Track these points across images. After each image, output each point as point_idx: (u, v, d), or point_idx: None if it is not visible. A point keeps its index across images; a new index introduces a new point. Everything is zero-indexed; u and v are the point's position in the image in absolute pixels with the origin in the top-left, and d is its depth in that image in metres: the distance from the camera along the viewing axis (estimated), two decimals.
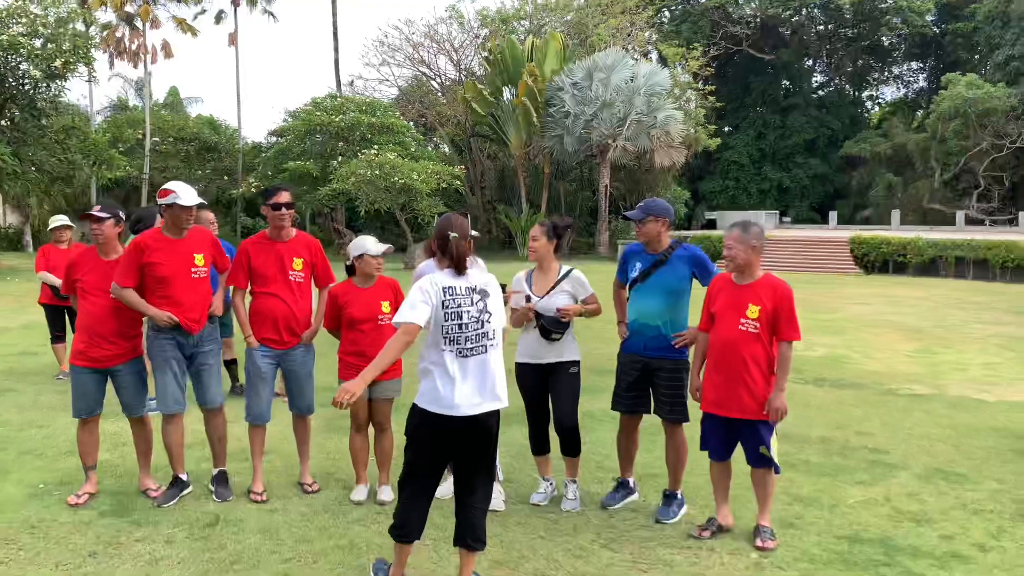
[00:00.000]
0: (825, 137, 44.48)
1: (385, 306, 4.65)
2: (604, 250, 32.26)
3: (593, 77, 30.93)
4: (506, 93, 32.79)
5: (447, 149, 38.97)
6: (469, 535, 3.47)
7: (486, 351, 3.39)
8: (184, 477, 4.85)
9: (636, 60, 33.32)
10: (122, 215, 4.82)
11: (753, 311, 4.05)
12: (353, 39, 73.61)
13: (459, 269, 3.36)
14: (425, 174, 25.20)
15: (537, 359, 4.68)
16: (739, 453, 4.29)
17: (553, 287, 4.64)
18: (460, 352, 3.32)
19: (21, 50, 17.49)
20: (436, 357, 3.33)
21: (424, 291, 3.31)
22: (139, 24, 33.09)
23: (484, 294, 3.40)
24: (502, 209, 35.39)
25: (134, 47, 33.10)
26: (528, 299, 4.65)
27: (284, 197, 4.67)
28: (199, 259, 4.66)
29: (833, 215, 38.32)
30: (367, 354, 4.55)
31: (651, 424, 4.96)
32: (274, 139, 35.45)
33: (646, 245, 4.59)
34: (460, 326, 3.31)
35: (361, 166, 24.80)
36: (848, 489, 5.05)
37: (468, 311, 3.34)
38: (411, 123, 40.35)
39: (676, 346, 4.48)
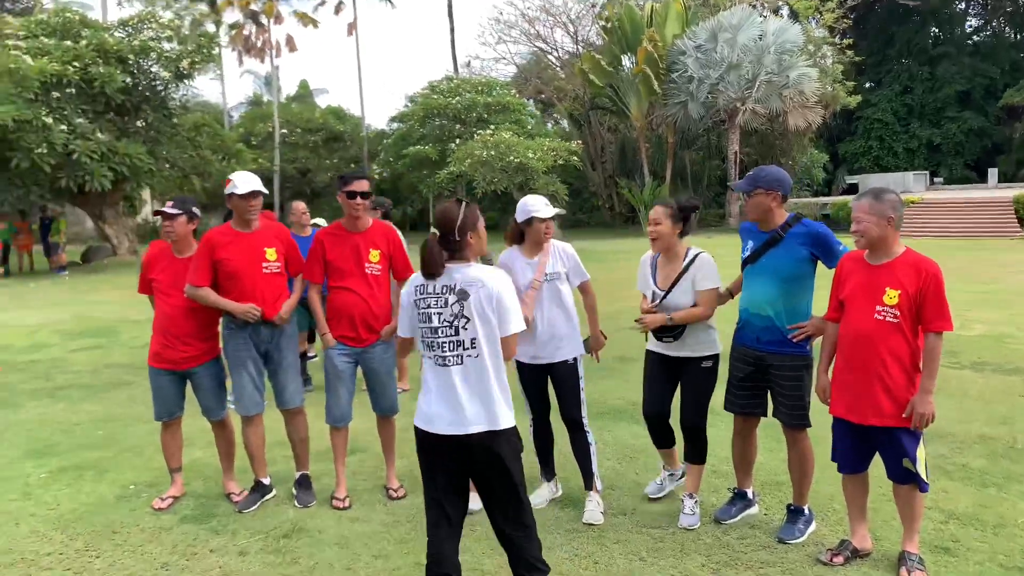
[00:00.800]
0: (981, 87, 40.45)
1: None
2: (735, 222, 30.66)
3: (718, 38, 29.36)
4: (625, 62, 31.74)
5: (566, 124, 38.30)
6: (519, 565, 3.00)
7: (462, 362, 2.92)
8: (266, 481, 4.65)
9: (764, 17, 31.35)
10: (196, 211, 4.63)
11: (892, 296, 3.33)
12: (470, 19, 73.79)
13: (424, 270, 2.95)
14: (541, 151, 24.73)
15: (667, 350, 4.17)
16: (879, 463, 3.59)
17: (678, 278, 4.06)
18: (437, 360, 2.96)
19: (152, 54, 18.37)
20: (424, 363, 3.04)
21: (405, 292, 3.05)
22: (264, 20, 34.26)
23: (463, 295, 2.90)
24: (624, 183, 34.42)
25: (260, 43, 34.31)
26: (653, 297, 4.11)
27: (362, 185, 4.34)
28: (271, 253, 4.41)
29: (993, 172, 34.76)
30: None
31: (775, 424, 4.30)
32: (396, 125, 35.95)
33: (757, 222, 3.93)
34: (432, 330, 2.95)
35: (477, 147, 24.63)
36: (1018, 504, 4.21)
37: (440, 313, 2.92)
38: (529, 100, 40.06)
39: (794, 340, 3.81)
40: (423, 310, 2.94)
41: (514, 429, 2.96)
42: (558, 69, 38.73)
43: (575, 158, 27.34)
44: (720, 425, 5.42)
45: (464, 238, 2.94)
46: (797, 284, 3.82)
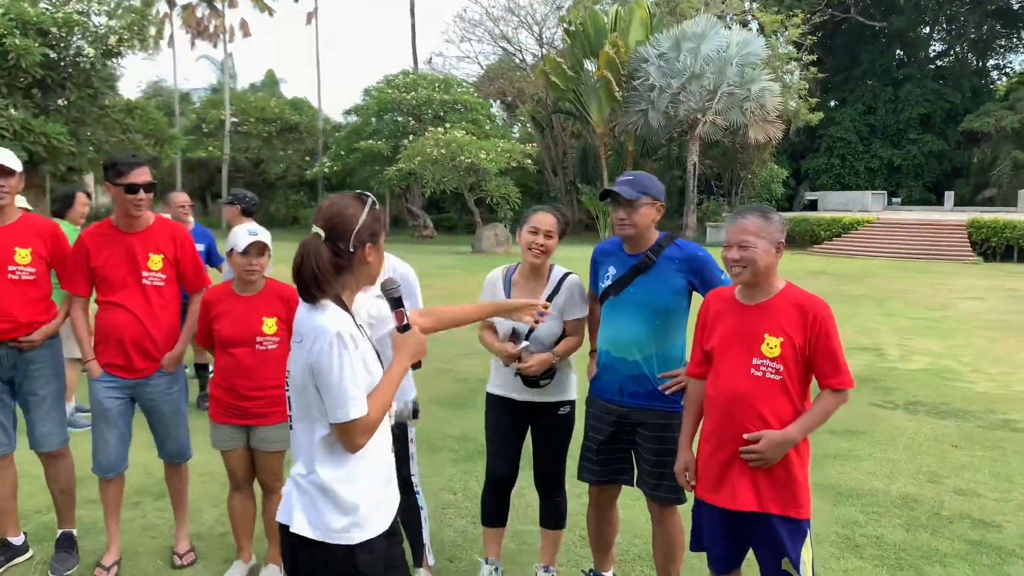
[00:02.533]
0: (942, 111, 40.58)
1: (269, 324, 3.33)
2: (691, 233, 30.27)
3: (681, 47, 28.83)
4: (588, 66, 31.08)
5: (530, 128, 37.57)
6: None
7: (291, 428, 2.14)
8: (17, 541, 3.73)
9: (730, 28, 30.91)
10: None
11: (772, 346, 2.56)
12: (434, 15, 72.40)
13: (299, 290, 2.04)
14: (494, 153, 23.92)
15: (513, 393, 3.34)
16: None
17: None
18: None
19: (76, 28, 17.21)
20: None
21: None
22: (218, 4, 33.03)
23: (298, 341, 2.06)
24: (585, 190, 33.75)
25: (213, 27, 33.06)
26: (514, 333, 3.27)
27: (143, 175, 3.43)
28: (21, 255, 3.51)
29: (950, 195, 34.79)
30: (238, 390, 3.32)
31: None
32: (351, 118, 34.94)
33: (626, 241, 3.13)
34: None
35: (428, 144, 23.75)
36: None
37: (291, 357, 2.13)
38: (494, 101, 39.27)
39: (666, 392, 3.04)
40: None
41: (347, 549, 2.01)
42: (526, 71, 37.97)
43: (529, 161, 26.59)
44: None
45: (357, 252, 2.03)
46: (671, 321, 3.07)
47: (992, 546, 3.93)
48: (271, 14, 34.62)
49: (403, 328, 2.20)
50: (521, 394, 3.32)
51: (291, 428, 2.12)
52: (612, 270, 3.15)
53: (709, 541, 2.75)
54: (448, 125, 26.34)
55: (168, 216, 6.50)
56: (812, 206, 35.90)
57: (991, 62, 46.22)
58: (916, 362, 8.49)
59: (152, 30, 19.78)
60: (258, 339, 3.31)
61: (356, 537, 2.01)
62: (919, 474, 4.98)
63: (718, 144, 32.57)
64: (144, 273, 3.47)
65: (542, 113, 36.30)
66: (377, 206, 2.13)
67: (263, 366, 3.31)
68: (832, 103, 42.21)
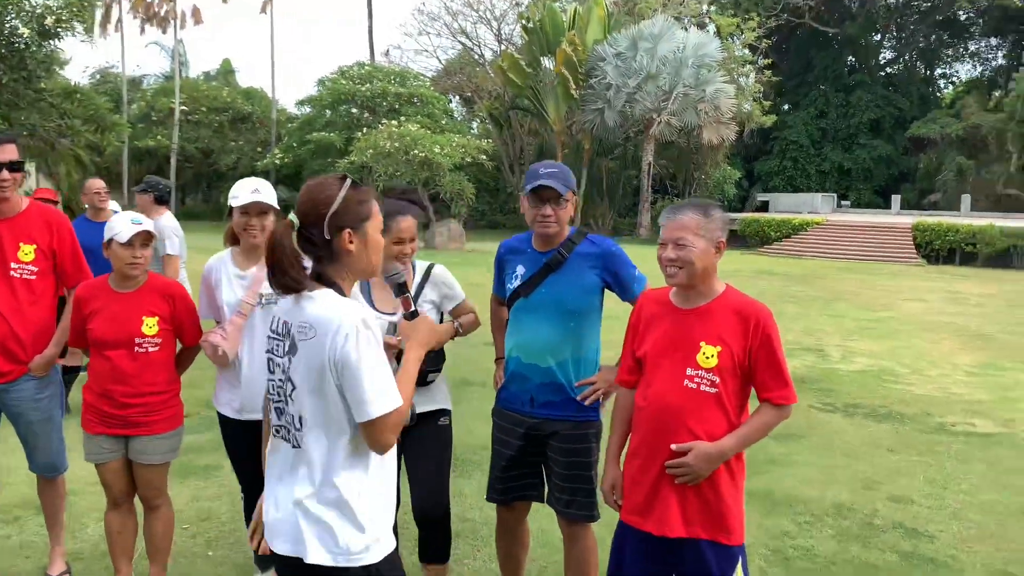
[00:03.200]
0: (892, 117, 41.44)
1: (149, 324, 3.02)
2: (645, 232, 30.38)
3: (638, 47, 28.91)
4: (545, 64, 30.95)
5: (488, 124, 37.30)
6: None
7: (298, 444, 1.90)
8: None
9: (687, 30, 31.06)
10: None
11: (709, 355, 2.36)
12: (392, 7, 71.54)
13: (271, 278, 1.90)
14: (449, 147, 23.65)
15: None
16: None
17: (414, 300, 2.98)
18: (274, 427, 1.98)
19: (9, 6, 16.46)
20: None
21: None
22: None
23: (292, 345, 1.87)
24: None
25: (163, 13, 32.15)
26: (393, 328, 2.99)
27: (9, 151, 3.14)
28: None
29: (896, 199, 35.48)
30: (115, 397, 3.02)
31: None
32: (305, 109, 34.31)
33: (538, 238, 2.92)
34: (271, 384, 1.98)
35: (381, 137, 23.39)
36: None
37: (278, 363, 1.94)
38: (452, 96, 38.91)
39: (584, 401, 2.86)
40: (268, 349, 1.97)
41: (371, 570, 1.85)
42: (484, 66, 37.68)
43: (484, 157, 26.36)
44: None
45: (335, 239, 1.84)
46: (585, 322, 2.89)
47: (924, 557, 3.84)
48: (225, 0, 33.76)
49: (410, 315, 2.09)
50: None
51: (294, 445, 1.89)
52: (521, 269, 2.94)
53: (631, 568, 2.53)
54: (403, 118, 25.96)
55: (85, 206, 6.16)
56: (764, 207, 36.33)
57: (938, 71, 47.39)
58: (857, 363, 8.50)
59: (97, 13, 19.02)
60: (137, 340, 3.00)
61: (378, 553, 1.87)
62: (855, 480, 4.90)
63: (673, 144, 32.74)
64: (12, 265, 3.17)
65: (500, 109, 36.09)
66: (361, 187, 1.92)
67: (143, 371, 3.02)
68: (785, 106, 42.76)
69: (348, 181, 1.90)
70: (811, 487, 4.76)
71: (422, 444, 3.03)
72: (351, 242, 1.86)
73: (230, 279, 3.15)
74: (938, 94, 46.42)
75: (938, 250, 22.95)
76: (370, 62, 34.68)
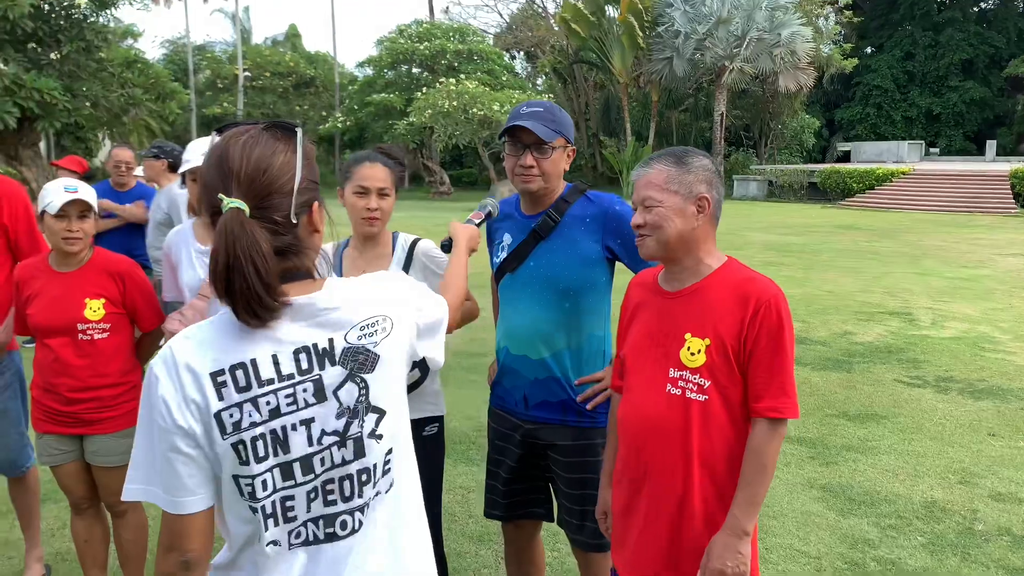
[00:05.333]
0: (986, 56, 38.57)
1: (93, 308, 2.61)
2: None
3: None
4: (609, 12, 29.73)
5: (552, 79, 36.34)
6: None
7: (370, 515, 1.33)
8: None
9: None
10: None
11: (694, 351, 1.79)
12: None
13: (239, 305, 1.20)
14: (509, 104, 22.94)
15: None
16: None
17: None
18: (297, 536, 1.28)
19: None
20: (240, 552, 1.31)
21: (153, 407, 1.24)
22: None
23: (356, 361, 1.28)
24: (608, 142, 32.62)
25: None
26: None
27: None
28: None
29: (992, 145, 33.06)
30: (60, 391, 2.62)
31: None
32: (367, 71, 34.03)
33: (526, 197, 2.33)
34: (287, 468, 1.25)
35: (440, 97, 22.85)
36: None
37: (308, 420, 1.25)
38: (515, 52, 38.01)
39: (586, 404, 2.28)
40: (249, 428, 1.22)
41: None
42: (548, 19, 36.58)
43: None
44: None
45: (305, 216, 1.29)
46: (585, 302, 2.27)
47: None
48: None
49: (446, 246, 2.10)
50: None
51: (354, 529, 1.31)
52: (507, 238, 2.36)
53: None
54: (462, 76, 25.34)
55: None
56: (845, 157, 34.43)
57: None
58: (949, 329, 7.63)
59: None
60: (80, 327, 2.60)
61: None
62: (949, 473, 4.21)
63: (747, 93, 31.38)
64: None
65: (563, 63, 35.03)
66: (307, 138, 1.33)
67: (90, 361, 2.61)
68: (868, 49, 40.40)
69: (298, 133, 1.30)
70: (896, 481, 4.10)
71: None
72: (319, 218, 1.33)
73: (191, 256, 2.72)
74: None
75: None
76: (429, 20, 34.03)
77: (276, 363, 1.23)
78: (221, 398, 1.21)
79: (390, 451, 1.33)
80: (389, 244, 2.48)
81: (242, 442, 1.22)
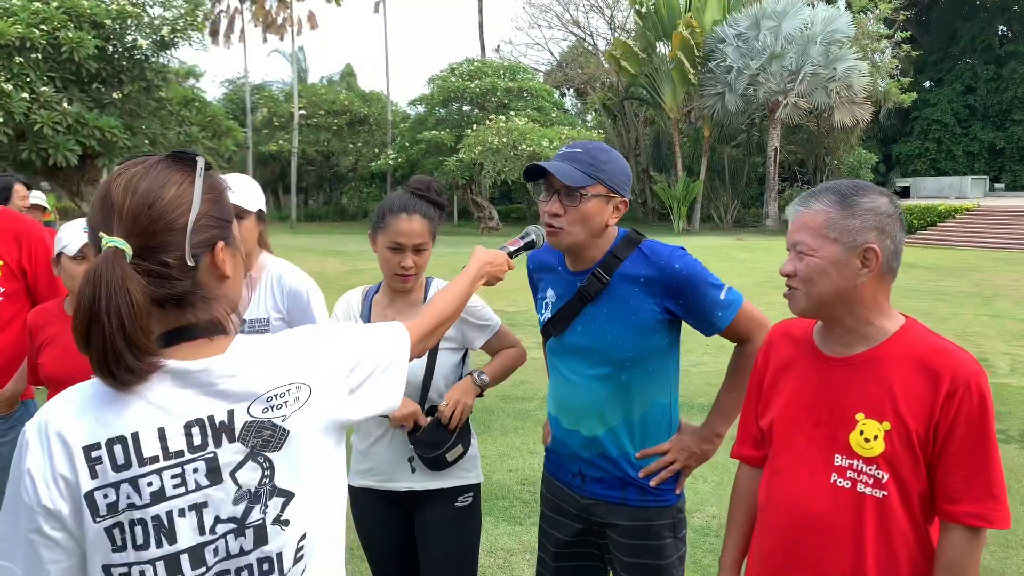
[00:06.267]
0: None
1: None
2: (773, 224, 28.61)
3: (760, 26, 27.19)
4: (660, 49, 29.68)
5: (602, 115, 36.37)
6: None
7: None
8: None
9: (813, 6, 29.01)
10: None
11: (869, 436, 1.48)
12: (504, 1, 70.91)
13: (104, 371, 1.04)
14: (559, 140, 22.92)
15: (391, 482, 2.27)
16: None
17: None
18: None
19: (129, 20, 17.02)
20: None
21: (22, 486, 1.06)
22: None
23: (259, 438, 1.09)
24: (658, 178, 32.38)
25: (281, 20, 33.08)
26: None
27: None
28: None
29: None
30: None
31: None
32: (418, 108, 34.51)
33: (568, 253, 2.01)
34: (176, 562, 1.06)
35: (489, 133, 22.94)
36: None
37: (197, 505, 1.07)
38: (565, 89, 38.18)
39: (652, 481, 2.00)
40: (127, 510, 1.05)
41: None
42: (597, 56, 36.76)
43: None
44: None
45: (205, 258, 1.12)
46: (644, 373, 1.96)
47: None
48: (339, 3, 34.32)
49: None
50: (404, 481, 2.24)
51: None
52: (551, 294, 2.07)
53: None
54: (512, 113, 25.45)
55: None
56: (904, 193, 33.54)
57: None
58: None
59: (222, 24, 19.47)
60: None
61: None
62: None
63: (801, 128, 30.86)
64: None
65: (613, 99, 35.04)
66: (213, 171, 1.15)
67: None
68: (927, 83, 39.57)
69: (200, 163, 1.12)
70: (986, 552, 3.70)
71: (435, 527, 2.24)
72: (223, 260, 1.14)
73: None
74: None
75: None
76: (480, 58, 34.43)
77: (163, 438, 1.05)
78: (94, 476, 1.03)
79: (303, 536, 1.14)
80: (422, 291, 2.29)
81: (118, 525, 1.04)
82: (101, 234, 1.07)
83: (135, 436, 1.04)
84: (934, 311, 10.65)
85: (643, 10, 30.32)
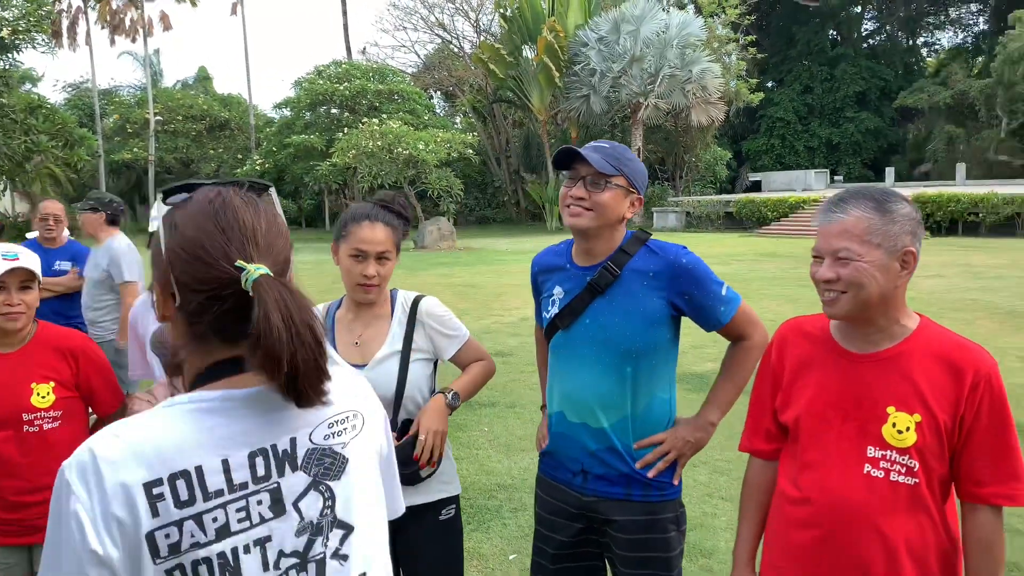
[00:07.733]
0: (877, 89, 41.20)
1: (41, 393, 2.24)
2: (637, 220, 29.85)
3: (620, 30, 28.34)
4: (526, 52, 30.32)
5: (471, 118, 36.73)
6: None
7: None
8: None
9: (667, 11, 30.53)
10: None
11: (903, 428, 1.61)
12: (367, 2, 70.25)
13: (314, 391, 1.04)
14: (433, 143, 22.99)
15: None
16: None
17: (406, 346, 2.20)
18: None
19: None
20: None
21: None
22: None
23: (320, 467, 1.08)
24: (530, 179, 33.07)
25: (129, 21, 31.28)
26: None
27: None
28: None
29: (890, 172, 35.15)
30: (4, 496, 2.26)
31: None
32: (282, 112, 33.60)
33: (578, 245, 2.13)
34: None
35: (363, 137, 22.70)
36: None
37: (261, 546, 1.03)
38: (433, 92, 38.23)
39: (650, 472, 2.06)
40: (191, 549, 0.98)
41: None
42: (464, 59, 37.05)
43: (471, 151, 25.74)
44: None
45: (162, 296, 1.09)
46: (650, 366, 2.04)
47: None
48: (194, 4, 32.84)
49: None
50: None
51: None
52: (558, 290, 2.13)
53: None
54: (384, 116, 25.28)
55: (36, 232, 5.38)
56: (755, 187, 35.94)
57: (920, 40, 47.18)
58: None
59: (62, 22, 18.23)
60: (26, 417, 2.23)
61: None
62: None
63: (661, 128, 32.34)
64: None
65: (482, 102, 35.47)
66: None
67: (39, 456, 2.23)
68: (770, 84, 42.51)
69: (272, 189, 1.17)
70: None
71: (420, 543, 2.20)
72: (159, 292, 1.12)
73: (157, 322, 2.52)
74: (922, 63, 46.25)
75: (939, 222, 22.51)
76: (347, 60, 33.93)
77: (227, 470, 1.00)
78: (155, 514, 0.96)
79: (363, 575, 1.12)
80: (387, 304, 2.24)
81: (180, 567, 0.97)
82: (239, 262, 1.01)
83: (199, 470, 0.99)
84: (802, 297, 11.58)
85: (508, 14, 30.92)
